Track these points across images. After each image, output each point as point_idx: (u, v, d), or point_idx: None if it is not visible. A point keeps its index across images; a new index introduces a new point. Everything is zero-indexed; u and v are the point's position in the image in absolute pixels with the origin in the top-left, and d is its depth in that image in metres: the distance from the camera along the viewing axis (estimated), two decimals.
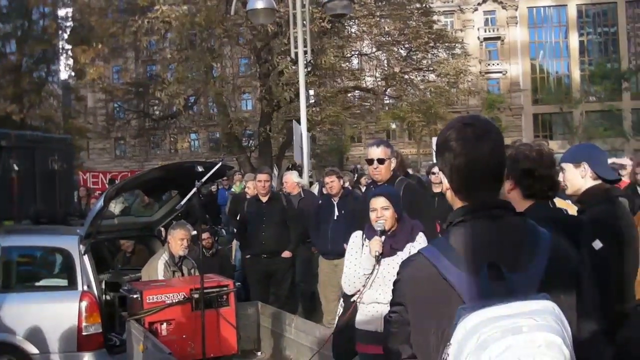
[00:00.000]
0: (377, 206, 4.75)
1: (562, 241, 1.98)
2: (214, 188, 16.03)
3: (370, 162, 5.99)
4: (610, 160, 8.04)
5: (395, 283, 2.00)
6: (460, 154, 1.92)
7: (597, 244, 3.20)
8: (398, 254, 4.66)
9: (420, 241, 4.75)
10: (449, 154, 1.95)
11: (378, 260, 4.67)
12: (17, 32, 33.45)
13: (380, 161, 5.88)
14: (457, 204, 2.00)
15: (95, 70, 25.07)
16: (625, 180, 7.94)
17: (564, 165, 3.57)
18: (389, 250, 4.70)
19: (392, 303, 2.01)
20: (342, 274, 5.02)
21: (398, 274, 2.00)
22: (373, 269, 4.70)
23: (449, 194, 2.03)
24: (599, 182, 3.48)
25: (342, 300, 5.17)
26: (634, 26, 66.44)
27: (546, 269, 1.85)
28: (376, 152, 5.93)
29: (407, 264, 2.00)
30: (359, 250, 4.90)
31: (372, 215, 4.77)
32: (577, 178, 3.52)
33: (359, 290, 4.80)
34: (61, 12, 33.95)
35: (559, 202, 3.70)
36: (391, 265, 4.63)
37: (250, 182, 10.52)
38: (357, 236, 5.00)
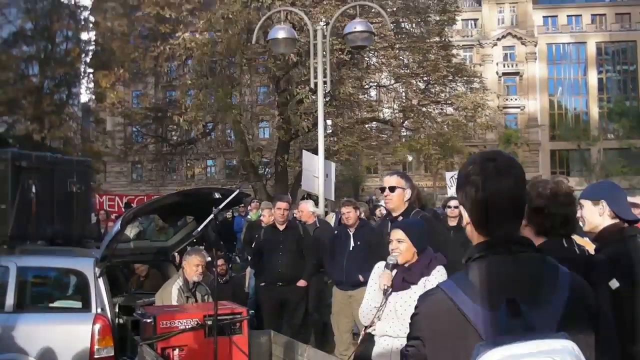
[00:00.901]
0: (393, 238, 4.75)
1: (581, 279, 1.97)
2: (229, 215, 16.07)
3: (382, 190, 6.01)
4: (631, 199, 7.99)
5: (412, 317, 1.99)
6: (482, 188, 1.92)
7: (614, 284, 3.18)
8: (412, 288, 4.63)
9: (437, 275, 4.67)
10: (470, 188, 1.95)
11: (385, 294, 4.66)
12: (40, 55, 33.90)
13: (392, 189, 5.88)
14: (476, 238, 1.99)
15: (116, 95, 25.32)
16: None
17: (582, 201, 3.56)
18: (400, 283, 4.67)
19: (410, 337, 1.99)
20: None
21: (416, 307, 1.99)
22: (381, 303, 4.68)
23: (469, 229, 2.02)
24: (616, 220, 3.47)
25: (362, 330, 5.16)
26: None
27: (565, 307, 1.84)
28: (389, 180, 5.95)
29: (425, 298, 1.99)
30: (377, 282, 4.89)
31: (390, 247, 4.77)
32: (595, 216, 3.50)
33: (372, 322, 4.78)
34: (84, 36, 34.46)
35: (578, 240, 3.68)
36: (403, 299, 4.61)
37: (266, 210, 10.54)
38: (378, 267, 4.96)
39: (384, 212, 8.70)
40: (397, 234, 4.74)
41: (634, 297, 3.26)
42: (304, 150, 12.74)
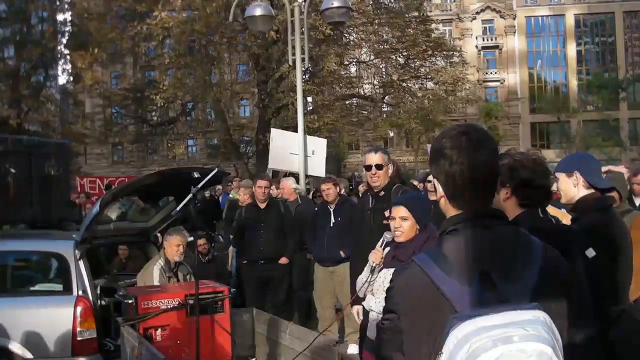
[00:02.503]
0: (396, 215, 4.53)
1: (554, 250, 1.99)
2: (207, 194, 15.96)
3: (368, 168, 5.98)
4: (605, 168, 8.05)
5: (388, 291, 2.00)
6: (456, 162, 1.93)
7: (590, 252, 3.21)
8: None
9: None
10: (444, 161, 1.95)
11: (373, 271, 4.64)
12: (16, 37, 33.43)
13: (379, 167, 5.89)
14: (450, 212, 2.00)
15: (93, 75, 25.05)
16: None
17: (557, 174, 3.59)
18: (390, 260, 4.58)
19: (385, 310, 2.01)
20: None
21: (391, 281, 2.01)
22: (368, 278, 4.67)
23: (443, 202, 2.02)
24: (591, 191, 3.50)
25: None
26: (632, 36, 66.72)
27: (538, 278, 1.86)
28: (374, 158, 5.93)
29: (400, 272, 2.00)
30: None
31: (391, 224, 4.56)
32: (570, 187, 3.53)
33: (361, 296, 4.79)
34: (60, 17, 33.98)
35: (552, 211, 3.71)
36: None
37: (241, 190, 10.51)
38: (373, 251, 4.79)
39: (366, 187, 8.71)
40: (401, 211, 4.49)
41: (609, 265, 3.31)
42: (272, 129, 12.69)
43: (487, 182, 1.97)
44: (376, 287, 4.69)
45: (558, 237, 2.77)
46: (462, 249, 1.88)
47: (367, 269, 4.76)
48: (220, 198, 16.64)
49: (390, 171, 6.04)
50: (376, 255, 4.65)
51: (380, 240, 4.70)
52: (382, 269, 4.65)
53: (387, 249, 4.66)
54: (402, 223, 4.48)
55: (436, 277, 1.84)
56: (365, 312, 4.89)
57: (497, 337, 1.63)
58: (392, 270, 4.45)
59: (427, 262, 1.89)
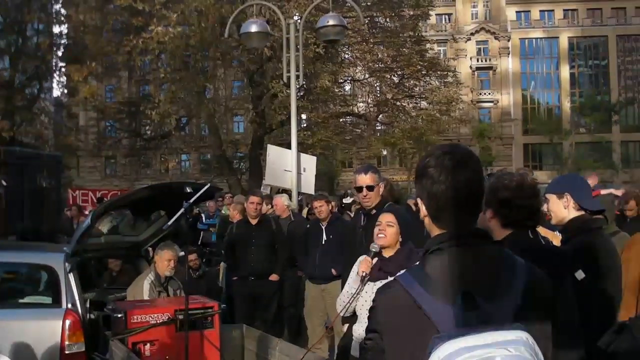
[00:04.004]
0: (382, 220, 4.70)
1: (538, 271, 1.98)
2: (197, 211, 15.82)
3: (359, 189, 5.99)
4: (607, 191, 8.09)
5: (371, 310, 2.00)
6: (438, 181, 1.92)
7: (580, 274, 3.22)
8: (389, 279, 4.57)
9: None
10: (426, 180, 1.95)
11: (363, 280, 4.64)
12: (11, 48, 33.43)
13: (370, 188, 5.90)
14: (434, 231, 2.00)
15: (88, 89, 25.05)
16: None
17: (547, 195, 3.61)
18: (377, 272, 4.62)
19: (368, 330, 2.00)
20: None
21: (374, 300, 2.00)
22: (357, 289, 4.67)
23: (427, 221, 2.02)
24: (582, 212, 3.51)
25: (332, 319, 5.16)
26: (624, 59, 67.24)
27: (521, 298, 1.85)
28: (364, 179, 5.93)
29: (382, 291, 1.99)
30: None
31: (376, 230, 4.71)
32: (561, 209, 3.55)
33: (346, 309, 4.78)
34: (56, 30, 34.00)
35: (542, 232, 3.72)
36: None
37: (232, 206, 10.51)
38: (360, 260, 4.90)
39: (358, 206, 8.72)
40: (388, 217, 4.71)
41: (599, 288, 3.32)
42: (269, 145, 12.74)
43: (470, 201, 1.96)
44: (359, 305, 4.69)
45: (548, 258, 2.78)
46: (445, 269, 1.87)
47: (351, 281, 4.76)
48: (203, 216, 16.38)
49: (381, 190, 6.04)
50: (366, 265, 4.65)
51: (370, 252, 4.71)
52: (368, 280, 4.65)
53: (375, 259, 4.68)
54: (387, 228, 4.66)
55: (419, 296, 1.83)
56: (349, 333, 4.89)
57: (479, 358, 1.62)
58: (378, 283, 4.54)
59: (410, 282, 1.88)
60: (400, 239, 4.70)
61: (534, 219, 3.10)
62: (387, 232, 4.66)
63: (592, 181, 7.70)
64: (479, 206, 2.03)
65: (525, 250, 2.33)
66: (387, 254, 4.71)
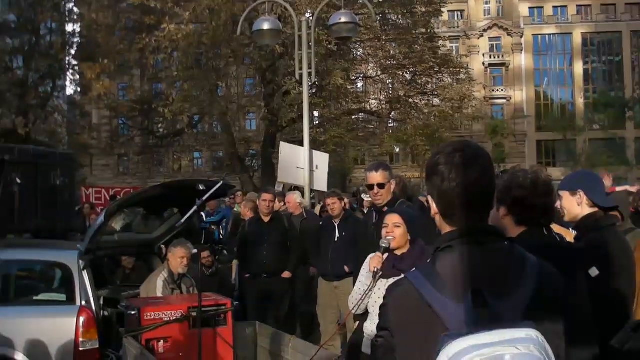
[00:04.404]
0: (389, 222, 4.70)
1: (549, 268, 1.97)
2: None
3: (370, 187, 5.99)
4: (622, 188, 8.03)
5: (381, 307, 2.00)
6: (448, 179, 1.92)
7: (594, 272, 3.20)
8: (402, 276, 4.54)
9: None
10: (437, 178, 1.95)
11: (375, 277, 4.64)
12: (25, 47, 33.60)
13: (381, 186, 5.89)
14: (444, 228, 1.99)
15: (101, 86, 25.15)
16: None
17: (561, 192, 3.59)
18: (391, 270, 4.61)
19: (379, 328, 2.00)
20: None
21: (384, 298, 2.00)
22: (369, 286, 4.67)
23: (438, 219, 2.02)
24: (595, 209, 3.50)
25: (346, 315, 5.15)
26: (639, 55, 66.76)
27: (532, 297, 1.84)
28: (375, 177, 5.93)
29: (392, 289, 1.99)
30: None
31: (383, 232, 4.71)
32: (574, 206, 3.53)
33: (359, 306, 4.78)
34: (69, 28, 34.15)
35: (556, 229, 3.70)
36: None
37: (243, 204, 10.52)
38: (370, 257, 4.89)
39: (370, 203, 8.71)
40: (394, 219, 4.70)
41: (612, 285, 3.30)
42: (281, 142, 12.74)
43: (480, 198, 1.96)
44: (372, 302, 4.70)
45: (563, 255, 2.77)
46: (455, 267, 1.86)
47: (362, 279, 4.76)
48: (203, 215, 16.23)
49: (393, 186, 6.03)
50: (377, 261, 4.65)
51: (380, 248, 4.70)
52: (381, 276, 4.65)
53: (386, 255, 4.68)
54: (395, 229, 4.66)
55: (428, 294, 1.82)
56: (360, 330, 4.88)
57: (489, 356, 1.61)
58: (390, 280, 4.51)
59: (420, 280, 1.87)
60: (409, 237, 4.69)
61: (548, 216, 3.09)
62: (394, 233, 4.66)
63: (606, 182, 7.65)
64: (490, 204, 2.02)
65: (540, 248, 2.32)
66: (399, 252, 4.70)
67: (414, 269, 1.99)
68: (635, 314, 3.51)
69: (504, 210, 3.02)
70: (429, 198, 2.03)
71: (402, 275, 4.39)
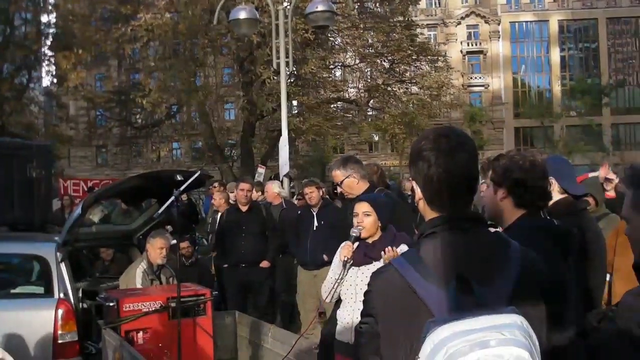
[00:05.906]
0: (359, 211, 4.68)
1: (532, 253, 1.98)
2: (184, 198, 15.80)
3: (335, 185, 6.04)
4: (594, 174, 8.08)
5: (365, 294, 1.99)
6: (434, 164, 1.92)
7: None
8: (374, 264, 4.54)
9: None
10: (422, 163, 1.94)
11: (345, 266, 4.66)
12: None
13: (341, 183, 5.87)
14: (428, 214, 1.99)
15: (77, 76, 24.89)
16: (610, 194, 7.85)
17: None
18: (362, 258, 4.64)
19: (363, 314, 2.00)
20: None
21: (369, 285, 1.99)
22: (340, 275, 4.69)
23: (421, 204, 2.02)
24: (565, 195, 3.53)
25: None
26: (615, 42, 67.24)
27: (516, 283, 1.86)
28: (335, 176, 5.88)
29: (377, 275, 1.99)
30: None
31: (354, 221, 4.70)
32: None
33: (331, 295, 4.79)
34: (43, 19, 33.71)
35: None
36: (365, 274, 4.54)
37: (216, 194, 10.47)
38: (342, 246, 4.89)
39: None
40: (363, 207, 4.66)
41: (584, 268, 3.33)
42: (282, 137, 12.68)
43: (465, 184, 1.96)
44: (344, 290, 4.71)
45: (559, 236, 2.81)
46: (439, 253, 1.87)
47: (334, 267, 4.78)
48: (202, 202, 16.48)
49: (355, 178, 5.91)
50: (347, 250, 4.65)
51: (350, 237, 4.70)
52: (352, 265, 4.67)
53: (356, 243, 4.68)
54: (365, 218, 4.63)
55: (413, 280, 1.83)
56: (333, 318, 4.90)
57: (474, 342, 1.62)
58: (362, 268, 4.62)
59: (405, 266, 1.87)
60: (380, 225, 4.68)
61: (545, 199, 3.10)
62: (364, 222, 4.64)
63: (604, 172, 7.72)
64: (474, 189, 2.02)
65: (538, 229, 2.33)
66: (370, 240, 4.71)
67: (399, 255, 1.99)
68: (614, 301, 3.55)
69: (502, 193, 3.01)
70: (413, 184, 2.03)
71: (374, 263, 4.44)
